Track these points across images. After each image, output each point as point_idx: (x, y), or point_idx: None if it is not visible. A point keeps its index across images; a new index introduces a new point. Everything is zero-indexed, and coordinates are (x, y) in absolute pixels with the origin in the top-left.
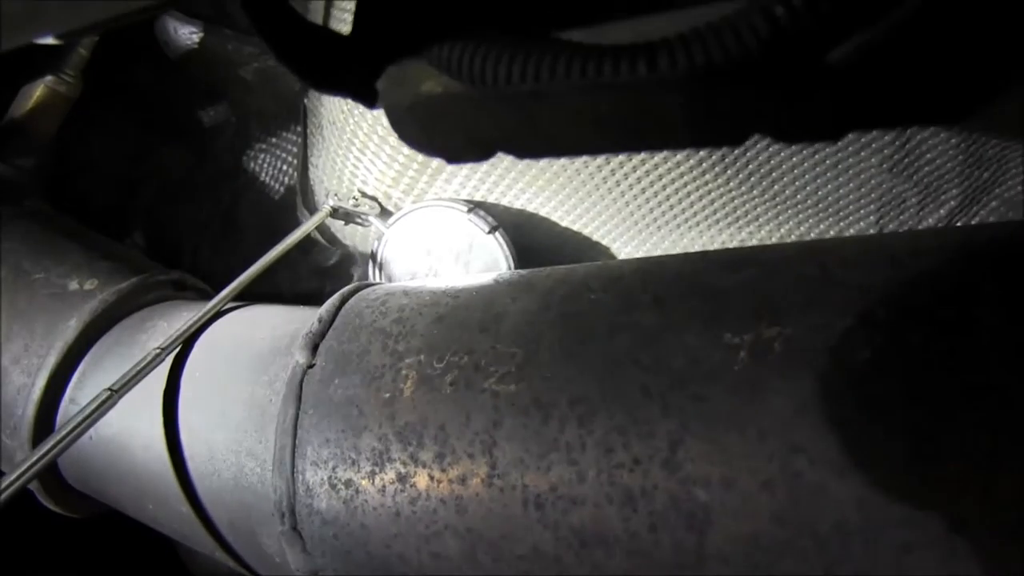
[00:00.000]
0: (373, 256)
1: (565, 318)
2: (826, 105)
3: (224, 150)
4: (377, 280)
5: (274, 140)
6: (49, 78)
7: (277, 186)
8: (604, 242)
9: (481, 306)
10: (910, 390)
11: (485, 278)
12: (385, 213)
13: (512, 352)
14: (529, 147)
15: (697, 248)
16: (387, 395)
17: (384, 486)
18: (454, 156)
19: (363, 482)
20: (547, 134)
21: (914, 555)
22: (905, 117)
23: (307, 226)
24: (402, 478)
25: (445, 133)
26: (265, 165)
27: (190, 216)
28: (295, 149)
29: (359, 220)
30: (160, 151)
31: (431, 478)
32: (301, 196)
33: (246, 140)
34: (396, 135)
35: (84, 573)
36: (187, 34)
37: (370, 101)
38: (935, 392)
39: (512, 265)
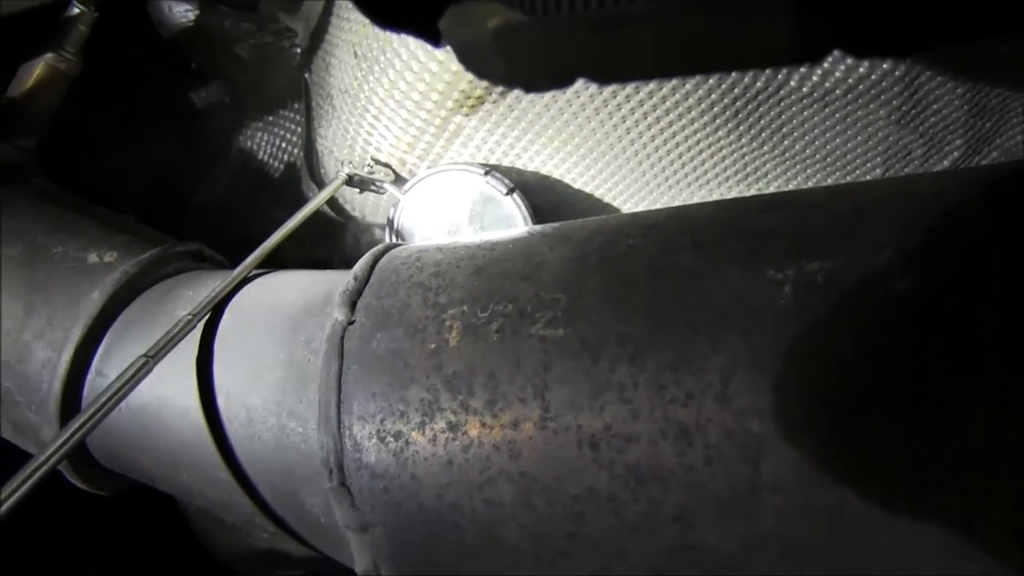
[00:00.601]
0: (390, 223)
1: (605, 263)
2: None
3: (219, 131)
4: None
5: (271, 118)
6: (49, 55)
7: (277, 164)
8: (617, 202)
9: (520, 256)
10: (948, 315)
11: (518, 232)
12: (400, 180)
13: (556, 298)
14: (609, 72)
15: None
16: (432, 346)
17: (435, 436)
18: (534, 85)
19: (413, 433)
20: (629, 59)
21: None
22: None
23: (325, 193)
24: (453, 427)
25: (525, 63)
26: (263, 144)
27: (184, 198)
28: (294, 126)
29: (374, 187)
30: (153, 133)
31: (483, 424)
32: (308, 170)
33: (242, 119)
34: (473, 72)
35: (97, 556)
36: (182, 12)
37: (435, 39)
38: (972, 316)
39: (532, 224)
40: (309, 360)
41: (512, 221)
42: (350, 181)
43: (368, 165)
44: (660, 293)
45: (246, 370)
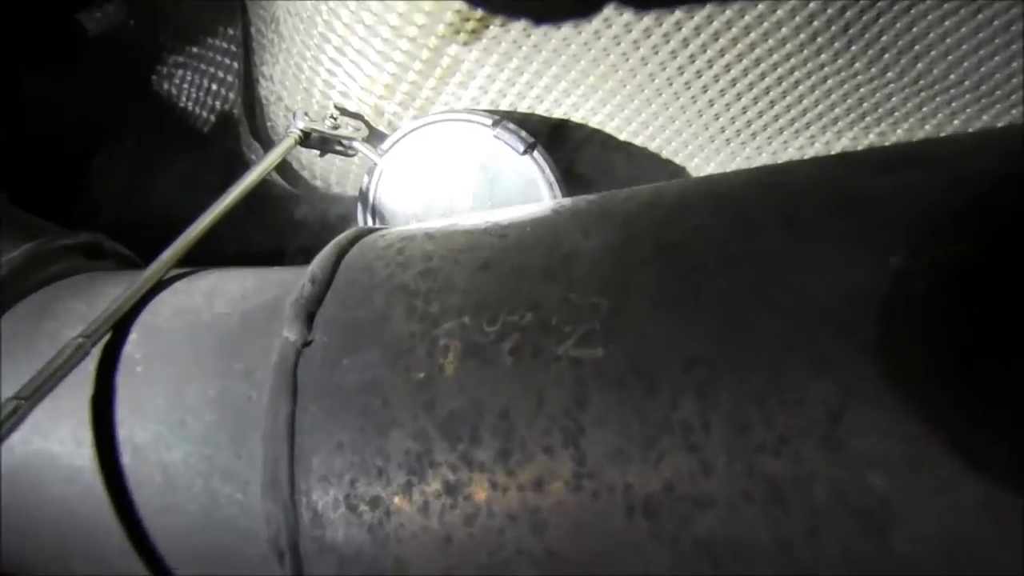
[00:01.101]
0: (363, 197)
1: (662, 252)
2: None
3: (120, 68)
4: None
5: (194, 50)
6: None
7: (204, 115)
8: (676, 161)
9: (542, 246)
10: None
11: (539, 209)
12: (376, 136)
13: (594, 303)
14: None
15: None
16: (421, 375)
17: (426, 502)
18: (549, 15)
19: (396, 499)
20: None
21: None
22: None
23: (271, 157)
24: (452, 488)
25: None
26: (184, 85)
27: (73, 166)
28: (228, 61)
29: (340, 147)
30: (23, 72)
31: (493, 485)
32: (247, 124)
33: (153, 52)
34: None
35: None
36: None
37: None
38: None
39: (560, 194)
40: (250, 398)
41: (531, 191)
42: (306, 139)
43: (331, 116)
44: (739, 292)
45: (162, 414)
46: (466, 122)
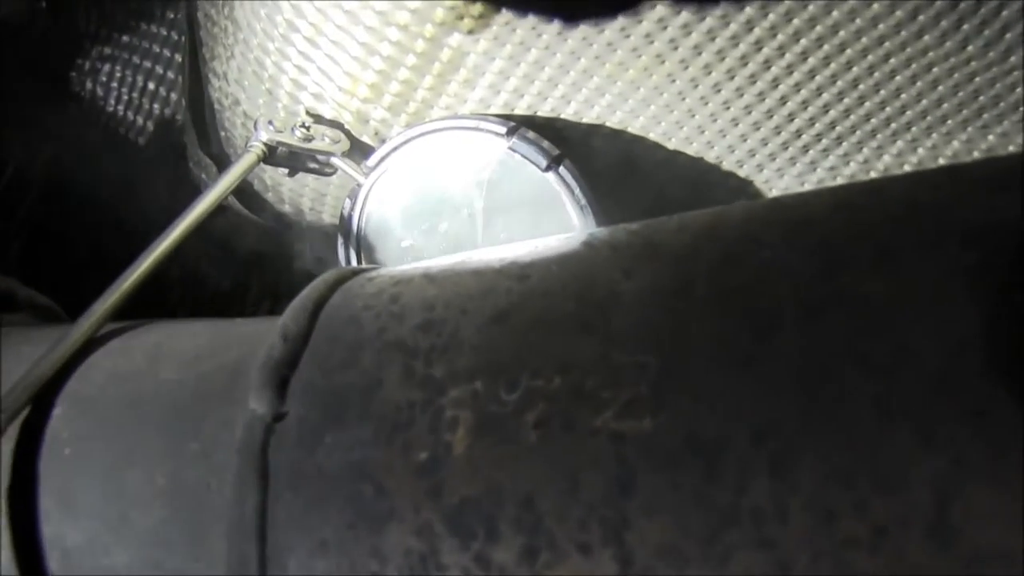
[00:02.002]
0: (344, 225)
1: (724, 296)
2: None
3: (33, 64)
4: (355, 264)
5: (126, 38)
6: None
7: (141, 120)
8: (741, 172)
9: (572, 289)
10: None
11: (568, 243)
12: (360, 150)
13: (639, 362)
14: None
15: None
16: (424, 455)
17: None
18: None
19: None
20: None
21: None
22: None
23: (223, 183)
24: None
25: None
26: (113, 84)
27: None
28: (170, 52)
29: (314, 164)
30: None
31: None
32: (195, 132)
33: (71, 41)
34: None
35: None
36: None
37: None
38: None
39: (593, 221)
40: (209, 486)
41: (557, 217)
42: (270, 155)
43: (302, 125)
44: (821, 347)
45: (98, 508)
46: (473, 130)
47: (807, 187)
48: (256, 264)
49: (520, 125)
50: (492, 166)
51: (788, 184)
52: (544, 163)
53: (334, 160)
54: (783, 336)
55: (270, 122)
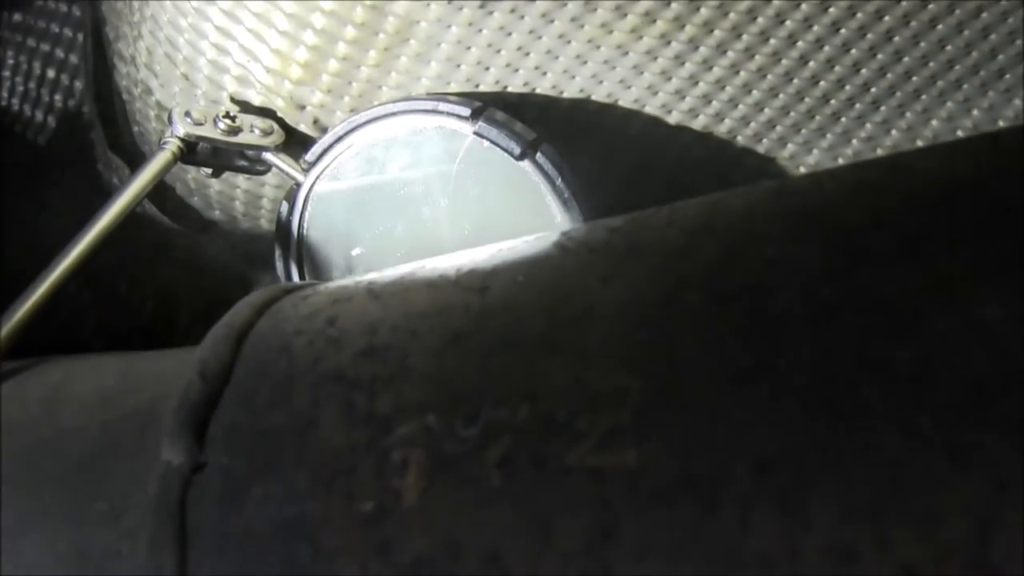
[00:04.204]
0: (282, 232)
1: (720, 304)
2: None
3: None
4: (297, 279)
5: (18, 17)
6: None
7: (40, 115)
8: (761, 148)
9: (541, 302)
10: None
11: (536, 246)
12: (297, 140)
13: (620, 385)
14: None
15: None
16: (369, 506)
17: None
18: None
19: None
20: None
21: None
22: None
23: (132, 189)
24: None
25: None
26: (6, 75)
27: None
28: (72, 32)
29: (243, 162)
30: None
31: None
32: (102, 127)
33: None
34: None
35: None
36: None
37: None
38: None
39: (580, 216)
40: (119, 552)
41: (538, 213)
42: (190, 152)
43: (225, 115)
44: (835, 357)
45: None
46: (431, 113)
47: (841, 162)
48: (183, 283)
49: (487, 105)
50: (456, 155)
51: (819, 159)
52: (518, 149)
53: (266, 156)
54: (790, 347)
55: (187, 113)
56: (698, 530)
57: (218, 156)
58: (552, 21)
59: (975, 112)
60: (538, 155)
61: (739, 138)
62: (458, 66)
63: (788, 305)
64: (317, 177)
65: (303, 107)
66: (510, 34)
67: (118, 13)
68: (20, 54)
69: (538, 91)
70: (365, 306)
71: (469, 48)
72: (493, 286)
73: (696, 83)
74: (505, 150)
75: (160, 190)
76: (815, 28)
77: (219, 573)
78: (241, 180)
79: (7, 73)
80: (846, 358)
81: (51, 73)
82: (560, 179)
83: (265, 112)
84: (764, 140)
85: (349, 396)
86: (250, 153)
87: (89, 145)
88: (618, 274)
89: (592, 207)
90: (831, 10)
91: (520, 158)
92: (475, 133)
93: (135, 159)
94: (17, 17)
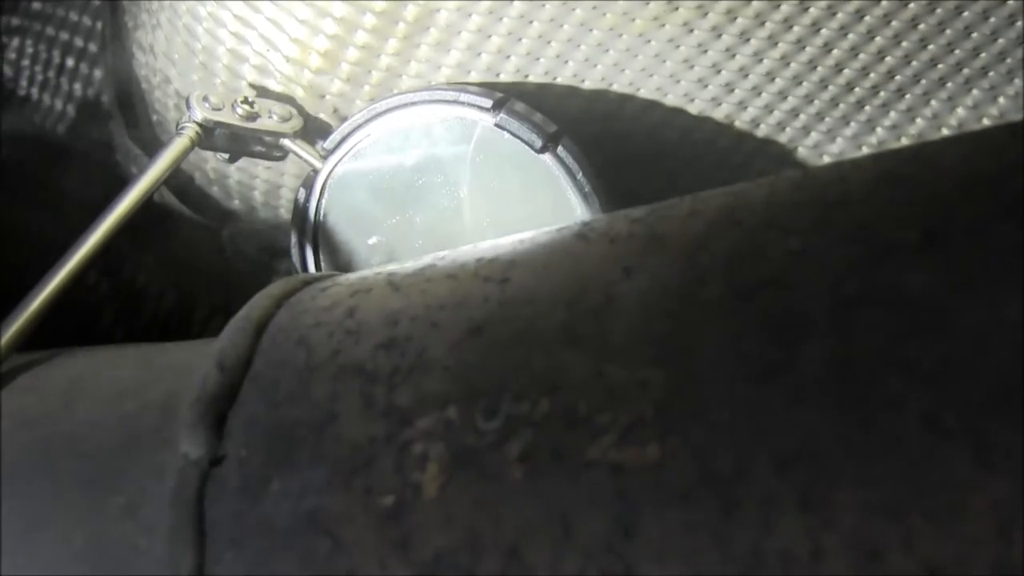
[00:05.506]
0: (299, 220)
1: (743, 296)
2: None
3: None
4: (314, 270)
5: (37, 6)
6: None
7: (60, 104)
8: (784, 137)
9: (562, 293)
10: None
11: (557, 236)
12: (316, 128)
13: (642, 378)
14: None
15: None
16: (389, 500)
17: None
18: None
19: None
20: None
21: None
22: None
23: (148, 177)
24: None
25: None
26: (25, 62)
27: None
28: (91, 21)
29: (260, 148)
30: None
31: None
32: (121, 116)
33: None
34: None
35: None
36: None
37: None
38: None
39: (600, 210)
40: (137, 546)
41: (558, 206)
42: (207, 137)
43: (244, 101)
44: (859, 352)
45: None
46: (452, 104)
47: (865, 151)
48: (203, 275)
49: (509, 96)
50: (476, 146)
51: (842, 148)
52: (539, 142)
53: (284, 142)
54: (813, 342)
55: (205, 98)
56: (719, 527)
57: (236, 142)
58: (573, 9)
59: (1001, 100)
60: (559, 148)
61: (762, 127)
62: (478, 55)
63: (811, 299)
64: (335, 165)
65: (323, 96)
66: (531, 22)
67: (137, 3)
68: (39, 43)
69: (559, 80)
70: (385, 297)
71: (489, 36)
72: (513, 277)
73: (719, 71)
74: (526, 142)
75: (180, 181)
76: (839, 15)
77: (237, 566)
78: (261, 170)
79: (27, 62)
80: (869, 354)
81: (70, 62)
82: (581, 173)
83: (284, 98)
84: (787, 129)
85: (368, 389)
86: (268, 139)
87: (108, 134)
88: (640, 265)
89: (612, 201)
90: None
91: (541, 151)
92: (496, 124)
93: (153, 148)
94: (37, 5)
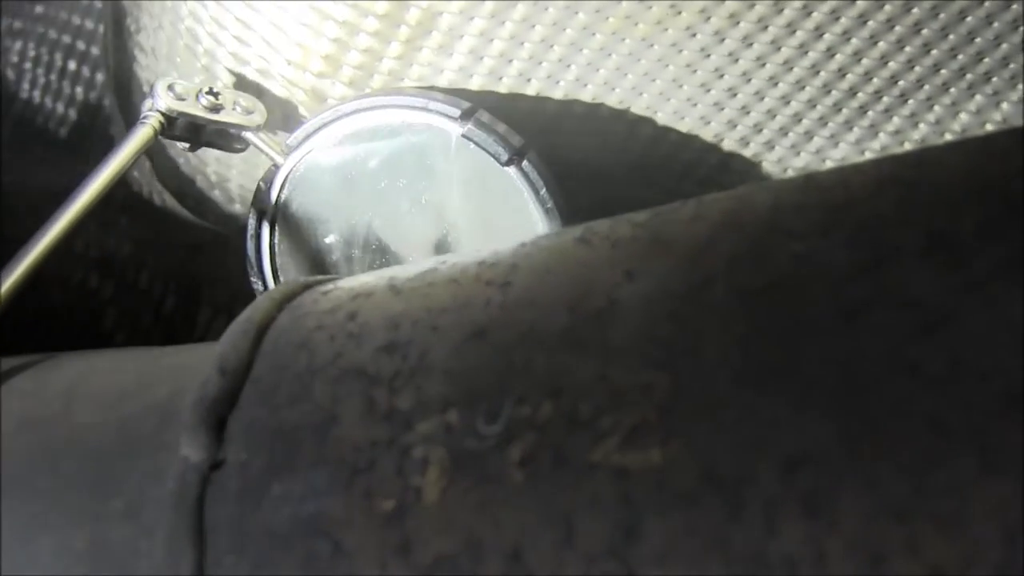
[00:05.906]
0: (257, 211)
1: (747, 299)
2: None
3: None
4: (268, 263)
5: (39, 9)
6: None
7: (61, 107)
8: (786, 142)
9: (564, 296)
10: None
11: (559, 240)
12: (280, 121)
13: (645, 382)
14: None
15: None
16: (390, 504)
17: None
18: None
19: None
20: None
21: None
22: None
23: (111, 166)
24: None
25: None
26: (27, 65)
27: None
28: (92, 23)
29: (220, 139)
30: None
31: None
32: (123, 119)
33: None
34: None
35: None
36: None
37: None
38: None
39: (560, 223)
40: (136, 549)
41: (520, 219)
42: (169, 126)
43: (207, 91)
44: (864, 355)
45: None
46: (419, 110)
47: (868, 156)
48: (205, 277)
49: (477, 107)
50: (441, 154)
51: (846, 153)
52: (504, 155)
53: (246, 135)
54: (818, 345)
55: (171, 86)
56: (723, 531)
57: (196, 132)
58: (576, 13)
59: (1004, 105)
60: (524, 162)
61: (765, 131)
62: (481, 59)
63: (815, 302)
64: (298, 161)
65: (325, 99)
66: (533, 26)
67: (139, 5)
68: (41, 46)
69: (561, 84)
70: (386, 301)
71: (492, 40)
72: (515, 281)
73: (722, 76)
74: (492, 155)
75: (181, 184)
76: (842, 20)
77: (237, 570)
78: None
79: (29, 65)
80: (876, 357)
81: (72, 65)
82: (544, 189)
83: (257, 88)
84: (790, 133)
85: (370, 392)
86: (231, 132)
87: (110, 137)
88: (642, 269)
89: (594, 212)
90: (858, 2)
91: (506, 164)
92: (463, 135)
93: (155, 151)
94: (39, 9)
